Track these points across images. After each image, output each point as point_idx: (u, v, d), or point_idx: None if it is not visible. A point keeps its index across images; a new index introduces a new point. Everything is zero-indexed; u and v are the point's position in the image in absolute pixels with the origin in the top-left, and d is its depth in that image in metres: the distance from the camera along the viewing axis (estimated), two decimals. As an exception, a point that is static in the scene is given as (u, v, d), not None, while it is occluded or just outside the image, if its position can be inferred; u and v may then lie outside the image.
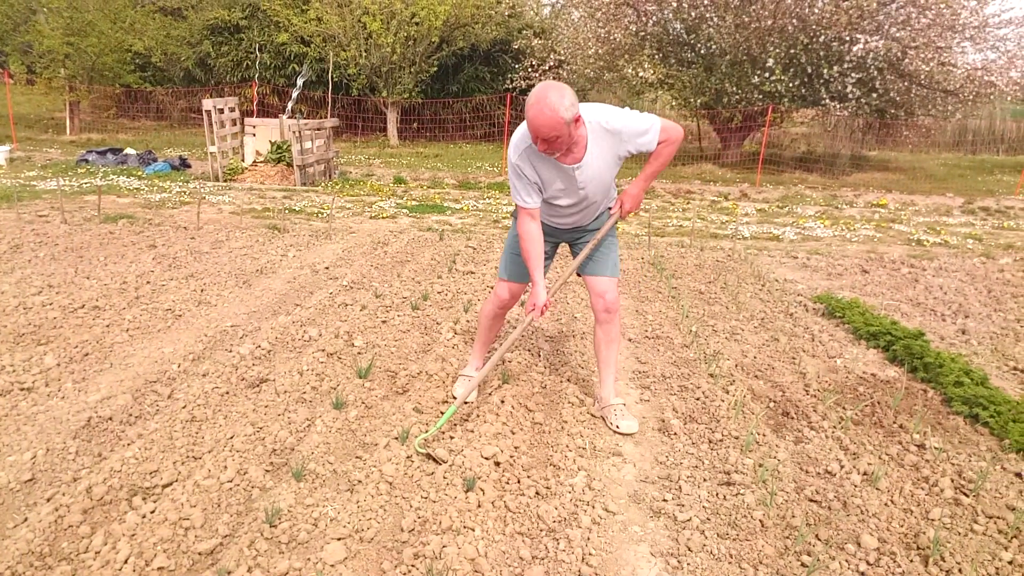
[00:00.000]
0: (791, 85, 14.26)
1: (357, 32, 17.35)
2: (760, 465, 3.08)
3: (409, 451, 3.06)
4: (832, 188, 13.53)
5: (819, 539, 2.62)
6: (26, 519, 2.59)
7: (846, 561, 2.49)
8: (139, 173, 11.95)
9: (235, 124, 12.26)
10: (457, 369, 3.96)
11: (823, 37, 13.75)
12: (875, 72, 13.94)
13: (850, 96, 14.07)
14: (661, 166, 3.28)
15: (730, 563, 2.49)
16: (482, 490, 2.78)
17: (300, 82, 13.15)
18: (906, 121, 16.06)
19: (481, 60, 20.27)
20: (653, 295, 5.77)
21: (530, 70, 18.33)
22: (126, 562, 2.36)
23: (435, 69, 18.60)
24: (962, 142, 20.85)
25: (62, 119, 18.42)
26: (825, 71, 14.02)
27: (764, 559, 2.50)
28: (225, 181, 11.50)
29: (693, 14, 14.62)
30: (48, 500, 2.70)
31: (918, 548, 2.59)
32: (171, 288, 5.45)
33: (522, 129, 3.06)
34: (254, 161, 12.04)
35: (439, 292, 5.55)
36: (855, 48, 13.42)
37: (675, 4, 14.69)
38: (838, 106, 14.42)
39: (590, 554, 2.51)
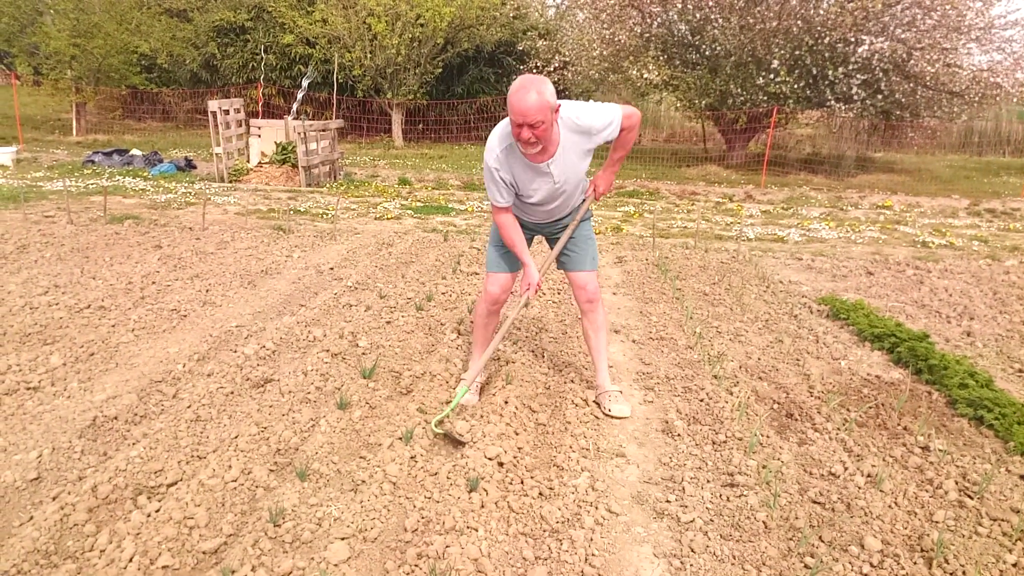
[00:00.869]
0: (796, 86, 14.23)
1: (362, 33, 17.39)
2: (764, 467, 3.08)
3: (413, 451, 3.06)
4: (837, 190, 13.51)
5: (822, 541, 2.61)
6: (32, 517, 2.61)
7: (849, 563, 2.49)
8: (145, 174, 11.99)
9: (240, 125, 12.29)
10: (461, 370, 3.97)
11: (828, 38, 13.72)
12: (880, 73, 13.91)
13: (855, 97, 14.04)
14: (626, 152, 3.52)
15: (733, 564, 2.49)
16: (485, 490, 2.78)
17: (305, 83, 13.20)
18: (911, 123, 16.02)
19: (486, 61, 20.29)
20: (657, 296, 5.77)
21: (535, 71, 18.32)
22: (131, 561, 2.37)
23: (440, 70, 18.63)
24: (968, 144, 20.78)
25: (68, 120, 18.50)
26: (830, 72, 14.00)
27: (767, 561, 2.49)
28: (230, 182, 11.53)
29: (698, 15, 14.62)
30: (54, 499, 2.72)
31: (922, 550, 2.58)
32: (176, 288, 5.47)
33: (498, 131, 3.22)
34: (259, 162, 12.07)
35: (443, 293, 5.56)
36: (860, 49, 13.39)
37: (680, 5, 14.69)
38: (843, 107, 14.39)
39: (593, 555, 2.51)
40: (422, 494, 2.78)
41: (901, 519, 2.77)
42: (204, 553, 2.46)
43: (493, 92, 20.07)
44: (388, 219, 9.12)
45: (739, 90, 14.78)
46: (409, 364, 4.12)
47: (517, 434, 3.30)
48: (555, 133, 3.13)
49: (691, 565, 2.49)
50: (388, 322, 4.83)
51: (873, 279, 6.68)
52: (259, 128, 12.23)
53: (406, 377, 3.91)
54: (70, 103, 17.77)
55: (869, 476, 3.05)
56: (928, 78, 14.10)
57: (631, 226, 9.35)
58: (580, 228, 3.64)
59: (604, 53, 15.90)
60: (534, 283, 3.33)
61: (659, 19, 15.39)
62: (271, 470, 2.96)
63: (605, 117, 3.22)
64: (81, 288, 5.34)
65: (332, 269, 6.28)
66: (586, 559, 2.49)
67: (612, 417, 3.60)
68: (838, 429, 3.49)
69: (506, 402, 3.53)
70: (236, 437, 3.16)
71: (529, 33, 19.64)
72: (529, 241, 3.68)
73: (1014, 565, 2.52)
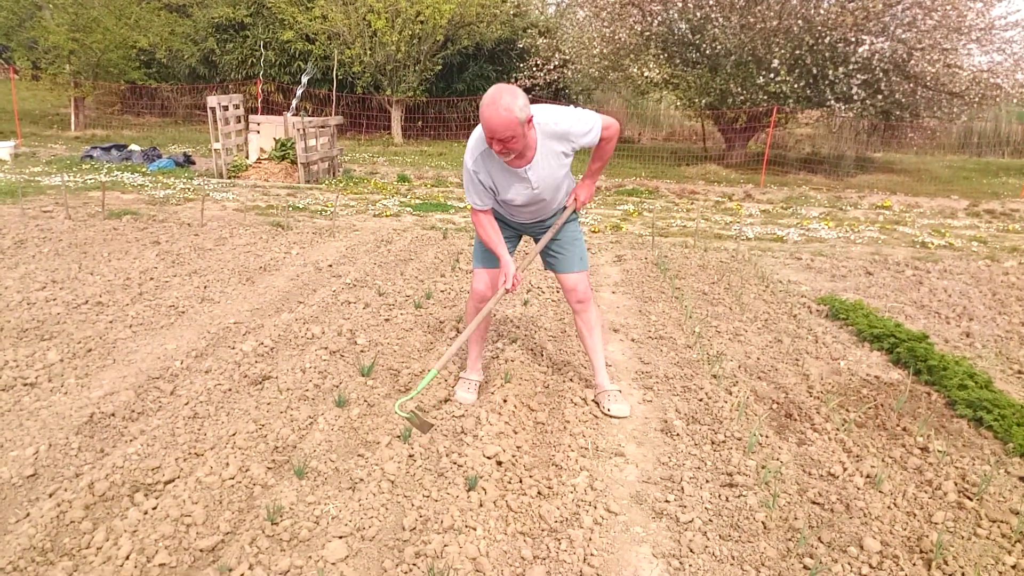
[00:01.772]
0: (796, 86, 14.21)
1: (362, 30, 17.35)
2: (763, 467, 3.07)
3: (412, 450, 3.06)
4: (836, 189, 13.50)
5: (821, 541, 2.61)
6: (28, 514, 2.60)
7: (848, 564, 2.48)
8: (143, 170, 11.96)
9: (239, 121, 12.26)
10: (459, 369, 3.96)
11: (829, 38, 13.70)
12: (880, 73, 13.89)
13: (855, 97, 14.02)
14: (604, 163, 3.52)
15: (732, 565, 2.48)
16: (484, 489, 2.78)
17: (305, 80, 13.16)
18: (911, 123, 16.01)
19: (486, 59, 20.25)
20: (656, 295, 5.76)
21: (535, 69, 18.29)
22: (127, 558, 2.36)
23: (440, 67, 18.59)
24: (967, 144, 20.77)
25: (67, 115, 18.45)
26: (830, 72, 13.98)
27: (766, 561, 2.49)
28: (229, 178, 11.51)
29: (698, 14, 14.59)
30: (50, 496, 2.71)
31: (921, 552, 2.58)
32: (174, 285, 5.46)
33: (477, 134, 3.20)
34: (258, 158, 12.04)
35: (442, 291, 5.55)
36: (861, 49, 13.37)
37: (680, 4, 14.66)
38: (843, 107, 14.37)
39: (592, 554, 2.50)
40: (420, 493, 2.77)
41: (900, 520, 2.77)
42: (201, 551, 2.45)
43: (493, 90, 20.00)
44: (387, 216, 9.11)
45: (739, 89, 14.76)
46: (408, 362, 4.11)
47: (516, 433, 3.29)
48: (532, 139, 3.14)
49: (690, 565, 2.48)
50: (387, 320, 4.82)
51: (872, 279, 6.68)
52: (258, 124, 12.20)
53: (405, 375, 3.90)
54: (68, 98, 17.72)
55: (868, 477, 3.05)
56: (928, 78, 14.08)
57: (630, 224, 9.34)
58: (567, 230, 3.64)
59: (604, 51, 15.87)
60: (510, 275, 3.34)
61: (660, 17, 15.35)
62: (269, 468, 2.95)
63: (584, 123, 3.22)
64: (79, 284, 5.32)
65: (331, 266, 6.26)
66: (585, 559, 2.48)
67: (611, 416, 3.59)
68: (837, 429, 3.49)
69: (505, 400, 3.53)
70: (234, 435, 3.15)
71: (529, 31, 19.59)
72: (517, 240, 3.72)
73: (1013, 567, 2.51)
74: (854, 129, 17.46)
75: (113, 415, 3.35)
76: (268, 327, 4.60)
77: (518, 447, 3.17)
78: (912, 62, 13.72)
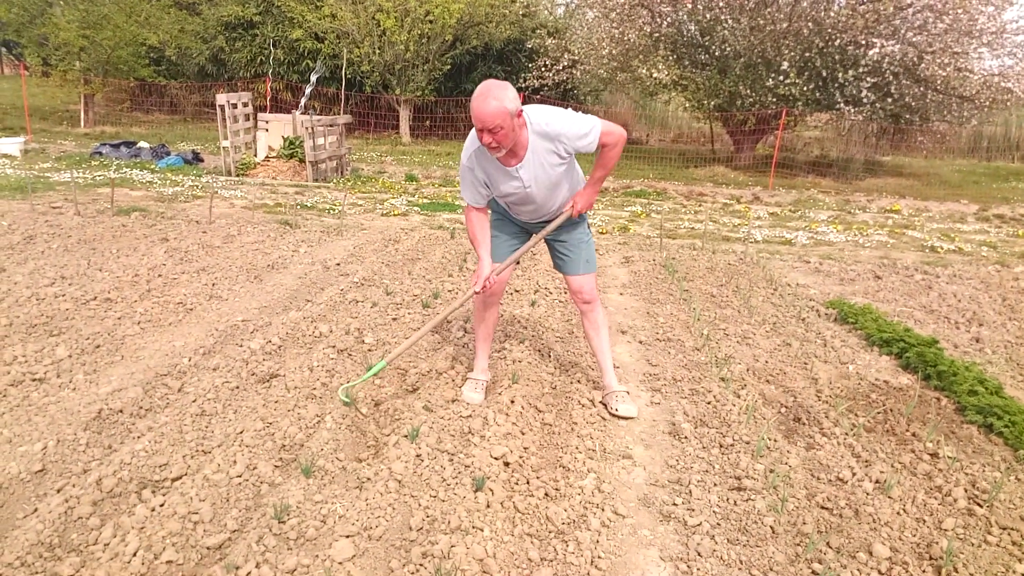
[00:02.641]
0: (805, 88, 14.17)
1: (371, 29, 17.37)
2: (771, 471, 3.06)
3: (419, 450, 3.05)
4: (845, 193, 13.45)
5: (830, 547, 2.59)
6: (36, 510, 2.60)
7: (858, 570, 2.47)
8: (152, 166, 12.00)
9: (248, 119, 12.28)
10: (467, 369, 3.95)
11: (839, 41, 13.65)
12: (890, 77, 13.83)
13: (865, 100, 13.98)
14: (607, 171, 3.43)
15: (740, 569, 2.47)
16: (491, 490, 2.77)
17: (314, 78, 13.17)
18: (921, 127, 15.94)
19: (495, 59, 20.25)
20: (664, 297, 5.74)
21: (543, 69, 18.29)
22: (135, 555, 2.36)
23: (448, 67, 18.61)
24: (977, 149, 20.67)
25: (76, 111, 18.53)
26: (840, 75, 13.93)
27: (775, 566, 2.47)
28: (237, 176, 11.53)
29: (708, 16, 14.56)
30: (58, 491, 2.71)
31: (931, 558, 2.56)
32: (183, 281, 5.47)
33: (474, 131, 3.19)
34: (266, 156, 12.07)
35: (449, 290, 5.55)
36: (871, 52, 13.32)
37: (690, 6, 14.63)
38: (852, 110, 14.32)
39: (599, 557, 2.49)
40: (427, 493, 2.77)
41: (910, 526, 2.75)
42: (208, 549, 2.45)
43: (501, 90, 20.00)
44: (395, 215, 9.11)
45: (748, 91, 14.72)
46: (415, 361, 4.10)
47: (523, 434, 3.28)
48: (524, 138, 3.14)
49: (698, 569, 2.47)
50: (394, 319, 4.82)
51: (881, 283, 6.65)
52: (267, 122, 12.22)
53: (412, 374, 3.89)
54: (78, 94, 17.80)
55: (877, 482, 3.03)
56: (939, 82, 14.03)
57: (638, 226, 9.32)
58: (575, 232, 3.64)
59: (613, 52, 15.84)
60: (482, 277, 3.34)
61: (669, 19, 15.32)
62: (276, 466, 2.95)
63: (579, 127, 3.16)
64: (87, 280, 5.33)
65: (338, 265, 6.27)
66: (592, 561, 2.47)
67: (619, 418, 3.58)
68: (846, 434, 3.47)
69: (512, 401, 3.52)
70: (241, 432, 3.15)
71: (538, 31, 19.58)
72: (526, 237, 3.70)
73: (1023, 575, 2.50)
74: (863, 132, 17.39)
75: (121, 411, 3.36)
76: (276, 325, 4.60)
77: (525, 448, 3.17)
78: (923, 66, 13.66)
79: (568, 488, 2.89)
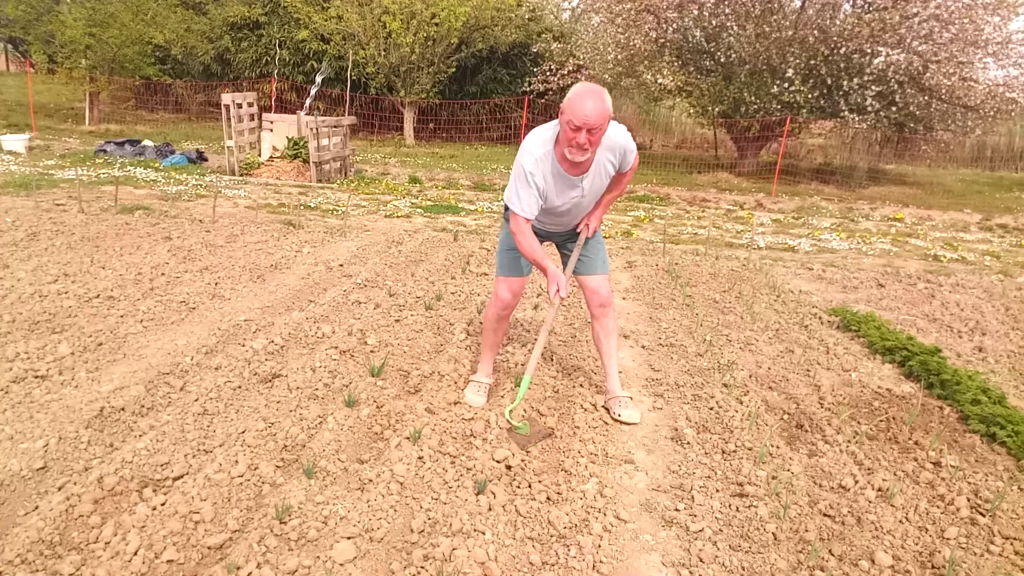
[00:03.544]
0: (810, 96, 14.17)
1: (377, 31, 17.39)
2: (774, 477, 3.05)
3: (421, 452, 3.04)
4: (848, 200, 13.45)
5: (833, 554, 2.59)
6: (37, 507, 2.60)
7: (860, 578, 2.46)
8: (156, 165, 12.02)
9: (253, 119, 12.31)
10: (470, 371, 3.95)
11: (844, 49, 13.66)
12: (895, 85, 13.83)
13: (869, 109, 13.97)
14: (620, 192, 3.56)
15: (742, 575, 2.46)
16: (493, 493, 2.77)
17: (319, 79, 13.21)
18: (925, 135, 15.94)
19: (500, 62, 20.28)
20: (667, 302, 5.74)
21: (548, 74, 18.31)
22: (136, 554, 2.36)
23: (453, 70, 18.63)
24: (980, 158, 20.67)
25: (82, 109, 18.55)
26: (845, 83, 13.93)
27: (776, 573, 2.47)
28: (241, 175, 11.54)
29: (714, 22, 14.56)
30: (59, 489, 2.71)
31: (933, 567, 2.55)
32: (186, 280, 5.47)
33: (538, 136, 3.17)
34: (271, 156, 12.08)
35: (452, 293, 5.54)
36: (876, 61, 13.32)
37: (696, 12, 14.65)
38: (857, 118, 14.32)
39: (601, 562, 2.49)
40: (429, 495, 2.76)
41: (912, 535, 2.74)
42: (209, 548, 2.44)
43: (506, 93, 20.05)
44: (398, 217, 9.11)
45: (753, 98, 14.72)
46: (418, 363, 4.10)
47: (525, 437, 3.27)
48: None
49: (700, 575, 2.46)
50: (397, 320, 4.82)
51: (884, 291, 6.64)
52: (271, 123, 12.24)
53: (414, 376, 3.89)
54: (84, 92, 17.83)
55: (880, 490, 3.02)
56: (943, 91, 14.02)
57: (641, 231, 9.32)
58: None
59: (619, 57, 15.86)
60: (563, 284, 3.21)
61: (675, 25, 15.33)
62: (278, 466, 2.94)
63: (631, 144, 3.29)
64: (91, 277, 5.34)
65: (342, 266, 6.27)
66: (594, 566, 2.47)
67: (621, 423, 3.57)
68: (848, 442, 3.46)
69: (515, 405, 3.51)
70: (243, 432, 3.14)
71: (544, 35, 19.61)
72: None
73: (1027, 586, 2.49)
74: (867, 140, 17.40)
75: (123, 409, 3.35)
76: (278, 325, 4.60)
77: (527, 452, 3.16)
78: (927, 75, 13.67)
79: (570, 492, 2.88)
